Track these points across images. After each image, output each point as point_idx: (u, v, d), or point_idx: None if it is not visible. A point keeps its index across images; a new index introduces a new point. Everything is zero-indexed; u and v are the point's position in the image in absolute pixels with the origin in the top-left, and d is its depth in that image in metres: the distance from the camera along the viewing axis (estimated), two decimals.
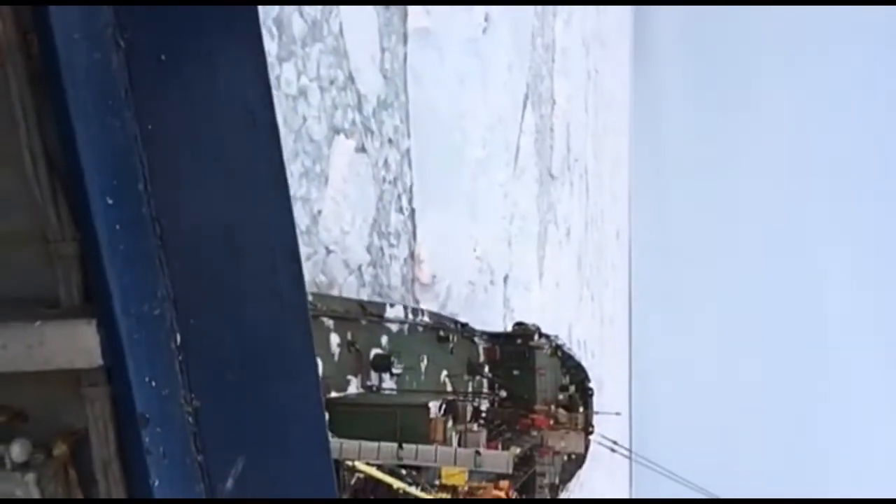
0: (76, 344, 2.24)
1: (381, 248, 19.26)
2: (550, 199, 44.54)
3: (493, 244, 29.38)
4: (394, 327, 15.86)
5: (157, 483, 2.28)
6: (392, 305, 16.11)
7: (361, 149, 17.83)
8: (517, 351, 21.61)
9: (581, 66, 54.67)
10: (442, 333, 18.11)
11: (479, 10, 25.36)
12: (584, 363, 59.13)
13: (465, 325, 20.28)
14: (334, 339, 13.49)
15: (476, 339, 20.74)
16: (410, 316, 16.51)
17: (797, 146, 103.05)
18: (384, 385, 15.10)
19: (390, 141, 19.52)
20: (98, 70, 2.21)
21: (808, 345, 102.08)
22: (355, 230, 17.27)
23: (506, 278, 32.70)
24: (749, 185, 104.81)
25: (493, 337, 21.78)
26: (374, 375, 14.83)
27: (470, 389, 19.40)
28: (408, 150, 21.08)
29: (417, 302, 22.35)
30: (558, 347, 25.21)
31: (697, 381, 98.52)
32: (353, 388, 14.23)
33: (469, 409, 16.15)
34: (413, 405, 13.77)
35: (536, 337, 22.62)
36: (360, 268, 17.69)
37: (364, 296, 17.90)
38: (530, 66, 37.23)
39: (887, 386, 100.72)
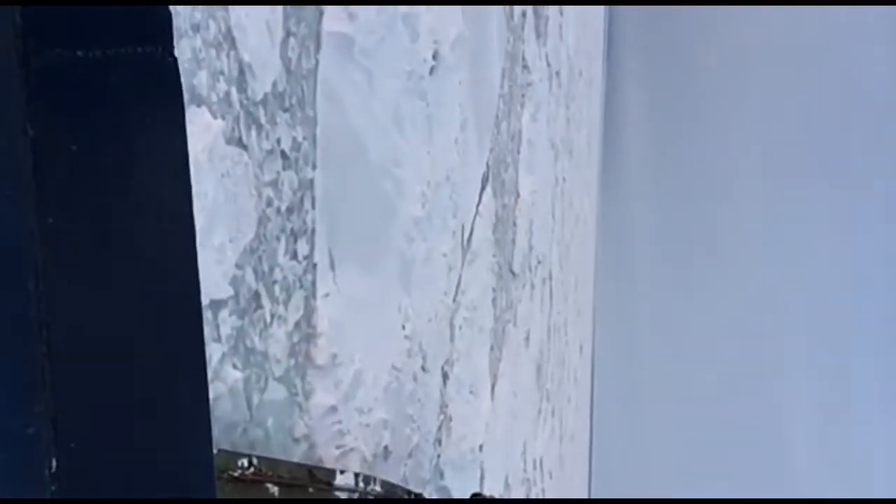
0: None
1: (258, 296, 13.23)
2: (510, 297, 38.96)
3: (430, 323, 23.26)
4: (343, 496, 14.22)
5: None
6: (342, 472, 14.42)
7: (238, 142, 11.87)
8: None
9: (548, 167, 50.80)
10: None
11: (425, 42, 20.59)
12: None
13: (419, 496, 18.25)
14: None
15: None
16: (361, 484, 15.01)
17: (769, 274, 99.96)
18: None
19: (284, 156, 13.92)
20: None
21: (773, 478, 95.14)
22: (212, 247, 10.99)
23: (445, 376, 26.40)
24: (717, 318, 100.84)
25: None
26: None
27: None
28: (311, 182, 15.55)
29: (310, 388, 16.18)
30: None
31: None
32: None
33: None
34: None
35: None
36: (212, 305, 11.23)
37: (216, 358, 11.94)
38: (492, 149, 32.67)
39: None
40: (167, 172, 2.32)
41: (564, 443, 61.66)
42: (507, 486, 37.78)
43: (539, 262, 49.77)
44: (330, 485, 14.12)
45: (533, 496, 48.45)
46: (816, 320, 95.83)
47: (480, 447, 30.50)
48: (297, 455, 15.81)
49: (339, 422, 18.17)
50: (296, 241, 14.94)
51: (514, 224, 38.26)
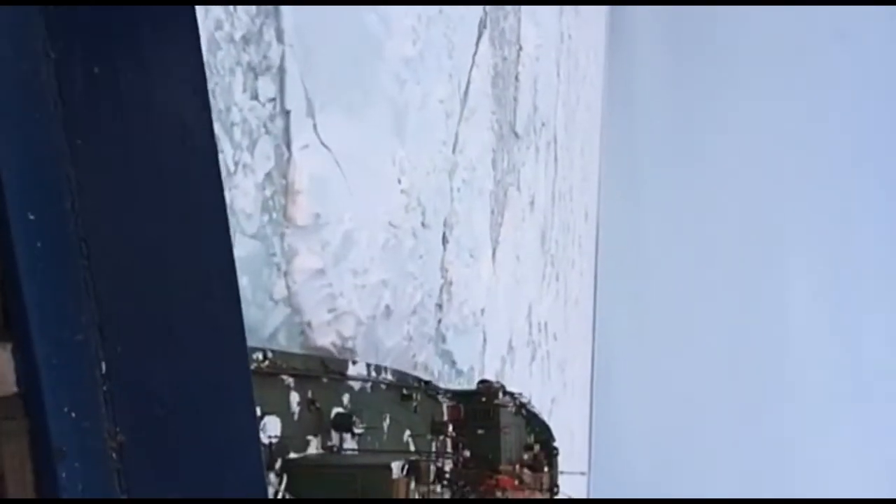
0: None
1: (215, 137, 11.42)
2: (513, 159, 36.76)
3: (428, 176, 21.20)
4: (356, 385, 14.58)
5: None
6: (354, 362, 14.57)
7: None
8: (481, 409, 20.31)
9: (553, 20, 46.89)
10: (405, 391, 17.05)
11: None
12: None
13: (428, 383, 19.05)
14: (294, 397, 12.42)
15: (440, 398, 19.48)
16: (373, 373, 15.47)
17: (776, 141, 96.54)
18: (345, 445, 13.94)
19: None
20: (24, 80, 2.03)
21: (770, 340, 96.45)
22: None
23: (444, 239, 24.78)
24: (723, 177, 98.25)
25: (457, 395, 20.52)
26: (334, 435, 13.62)
27: (433, 449, 18.47)
28: (276, 11, 13.16)
29: (291, 249, 14.51)
30: (523, 406, 23.37)
31: (661, 371, 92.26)
32: (314, 448, 13.09)
33: (432, 469, 14.92)
34: (375, 466, 12.80)
35: (501, 394, 20.94)
36: None
37: None
38: None
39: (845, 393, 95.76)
40: (186, 89, 2.34)
41: (569, 306, 61.54)
42: (510, 348, 37.38)
43: (544, 125, 47.02)
44: (343, 374, 14.45)
45: (538, 358, 48.57)
46: (818, 170, 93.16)
47: (482, 311, 29.53)
48: (278, 318, 14.44)
49: (329, 285, 16.69)
50: (256, 77, 12.69)
51: (517, 80, 35.35)
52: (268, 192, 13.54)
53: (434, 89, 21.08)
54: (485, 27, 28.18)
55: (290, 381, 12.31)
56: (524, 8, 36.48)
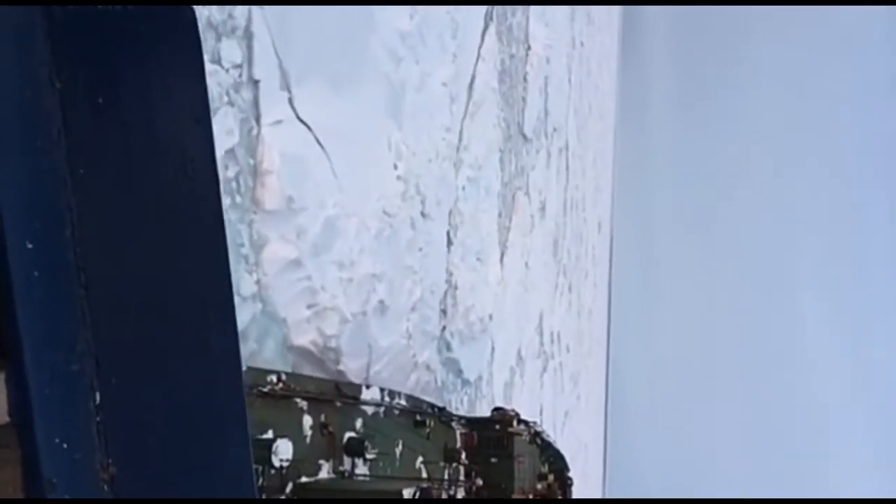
0: None
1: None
2: (521, 161, 34.82)
3: (430, 164, 19.17)
4: (369, 410, 14.31)
5: None
6: (368, 387, 14.30)
7: None
8: (495, 437, 19.73)
9: (564, 24, 45.13)
10: (419, 417, 16.63)
11: None
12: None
13: (442, 409, 18.60)
14: (307, 420, 11.95)
15: (453, 424, 19.05)
16: (387, 398, 15.14)
17: (792, 152, 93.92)
18: (357, 470, 13.57)
19: None
20: (28, 108, 1.99)
21: (786, 353, 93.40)
22: None
23: (448, 240, 22.85)
24: (738, 190, 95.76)
25: (471, 422, 20.09)
26: (346, 460, 13.21)
27: (446, 477, 18.04)
28: None
29: (261, 237, 12.67)
30: (537, 434, 22.49)
31: (676, 384, 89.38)
32: (325, 472, 12.64)
33: (445, 497, 14.87)
34: (386, 493, 12.26)
35: (515, 423, 20.37)
36: None
37: None
38: None
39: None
40: (189, 119, 2.33)
41: (583, 318, 59.08)
42: (520, 359, 35.13)
43: (555, 130, 45.06)
44: (356, 399, 13.80)
45: (550, 370, 46.21)
46: (831, 177, 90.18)
47: (490, 317, 27.48)
48: (247, 315, 12.54)
49: (308, 277, 14.72)
50: (219, 37, 10.95)
51: (525, 80, 33.41)
52: (230, 173, 11.68)
53: (435, 70, 19.11)
54: (491, 19, 26.40)
55: (303, 404, 12.03)
56: (533, 6, 34.76)
